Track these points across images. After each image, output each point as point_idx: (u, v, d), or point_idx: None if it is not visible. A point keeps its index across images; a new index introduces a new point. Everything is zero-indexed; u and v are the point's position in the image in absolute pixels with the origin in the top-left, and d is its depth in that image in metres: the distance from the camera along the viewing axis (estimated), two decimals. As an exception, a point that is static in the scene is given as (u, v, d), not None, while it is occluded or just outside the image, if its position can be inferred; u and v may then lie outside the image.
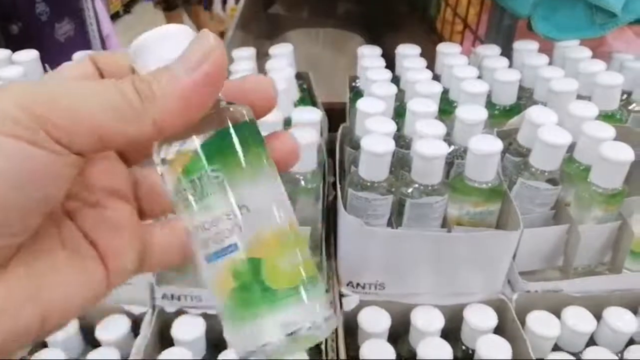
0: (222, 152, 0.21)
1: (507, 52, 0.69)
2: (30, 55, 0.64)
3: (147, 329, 0.48)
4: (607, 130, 0.50)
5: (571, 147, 0.52)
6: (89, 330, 0.49)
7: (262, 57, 0.69)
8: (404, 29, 1.37)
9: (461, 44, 1.01)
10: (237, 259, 0.20)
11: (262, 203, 0.21)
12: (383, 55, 0.67)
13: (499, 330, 0.48)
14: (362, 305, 0.50)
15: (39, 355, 0.46)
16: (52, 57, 0.68)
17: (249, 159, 0.21)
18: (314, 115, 0.53)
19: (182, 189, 0.21)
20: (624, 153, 0.47)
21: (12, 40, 1.34)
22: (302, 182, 0.50)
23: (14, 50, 0.67)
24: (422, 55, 0.66)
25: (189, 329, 0.48)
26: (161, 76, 0.19)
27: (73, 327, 0.48)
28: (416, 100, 0.54)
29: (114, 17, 4.08)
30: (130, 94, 0.19)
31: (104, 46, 1.86)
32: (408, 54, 0.66)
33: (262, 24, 1.44)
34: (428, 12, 1.31)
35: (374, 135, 0.49)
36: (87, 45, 1.76)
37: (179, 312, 0.50)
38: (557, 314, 0.49)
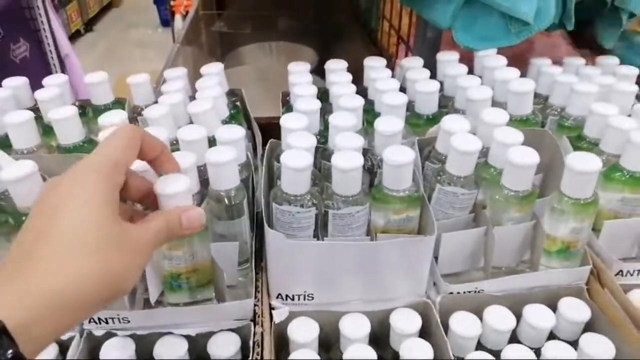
0: None
1: (432, 63, 0.72)
2: None
3: (74, 354, 0.48)
4: (516, 136, 0.53)
5: (486, 153, 0.55)
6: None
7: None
8: (348, 41, 1.41)
9: (396, 54, 1.04)
10: None
11: None
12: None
13: (424, 332, 0.50)
14: (292, 316, 0.51)
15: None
16: (8, 77, 0.66)
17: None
18: (238, 133, 0.54)
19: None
20: (530, 157, 0.50)
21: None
22: (226, 200, 0.50)
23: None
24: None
25: (118, 351, 0.48)
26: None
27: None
28: (338, 114, 0.56)
29: (75, 35, 4.00)
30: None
31: (62, 67, 1.82)
32: (335, 68, 0.68)
33: (208, 41, 1.45)
34: (370, 24, 1.34)
35: (295, 150, 0.50)
36: (44, 66, 1.72)
37: (108, 335, 0.50)
38: (480, 313, 0.51)
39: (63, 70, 2.07)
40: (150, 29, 4.34)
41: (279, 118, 0.70)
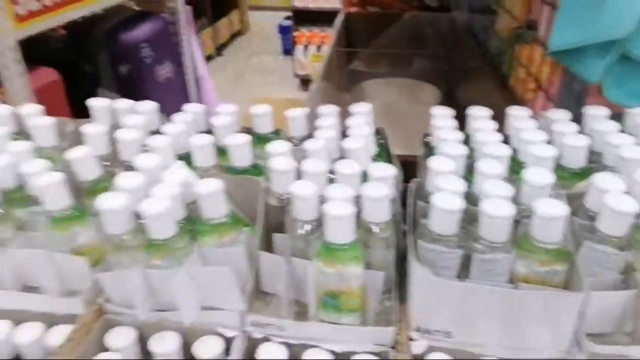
0: None
1: (577, 114, 0.71)
2: (150, 105, 0.75)
3: (238, 352, 0.55)
4: (678, 199, 0.51)
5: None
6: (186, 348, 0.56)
7: (341, 105, 0.76)
8: (477, 84, 1.42)
9: (533, 101, 1.04)
10: None
11: None
12: (456, 107, 0.72)
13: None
14: (429, 350, 0.53)
15: None
16: (153, 96, 0.79)
17: None
18: (388, 171, 0.59)
19: None
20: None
21: (121, 80, 1.49)
22: (377, 231, 0.55)
23: (122, 89, 0.78)
24: (493, 109, 0.71)
25: (272, 355, 0.54)
26: None
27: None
28: (485, 161, 0.59)
29: (207, 59, 4.43)
30: None
31: (198, 87, 2.04)
32: (478, 115, 0.71)
33: (343, 77, 1.54)
34: (501, 68, 1.35)
35: (445, 192, 0.53)
36: (182, 86, 1.95)
37: (264, 339, 0.56)
38: (623, 378, 0.50)
39: (198, 89, 2.31)
40: (272, 56, 4.65)
41: (415, 157, 0.74)
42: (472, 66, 1.56)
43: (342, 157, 0.65)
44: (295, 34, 4.32)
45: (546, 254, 0.52)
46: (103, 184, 0.63)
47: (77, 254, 0.61)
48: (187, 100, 2.08)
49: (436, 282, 0.52)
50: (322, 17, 4.30)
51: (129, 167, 0.63)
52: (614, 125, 0.66)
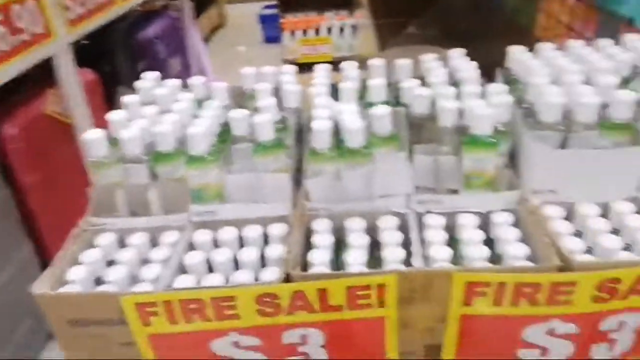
0: None
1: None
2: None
3: (412, 222, 0.80)
4: None
5: None
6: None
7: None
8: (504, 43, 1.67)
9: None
10: None
11: None
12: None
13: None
14: (543, 203, 0.79)
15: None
16: None
17: None
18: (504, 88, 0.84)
19: None
20: None
21: (139, 77, 1.72)
22: (502, 128, 0.80)
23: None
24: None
25: (435, 221, 0.79)
26: None
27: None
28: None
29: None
30: None
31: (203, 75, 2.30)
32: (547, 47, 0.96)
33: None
34: (518, 22, 1.59)
35: (548, 94, 0.78)
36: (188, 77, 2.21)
37: (427, 212, 0.81)
38: None
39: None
40: (254, 45, 4.85)
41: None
42: (491, 25, 1.80)
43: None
44: (282, 20, 4.50)
45: (619, 128, 0.77)
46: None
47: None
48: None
49: (547, 151, 0.77)
50: (304, 3, 4.51)
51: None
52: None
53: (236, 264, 0.78)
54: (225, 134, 0.88)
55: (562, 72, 0.87)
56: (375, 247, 0.78)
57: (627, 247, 0.71)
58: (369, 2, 2.03)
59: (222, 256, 0.77)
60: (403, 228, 0.79)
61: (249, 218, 0.83)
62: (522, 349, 0.69)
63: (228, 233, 0.81)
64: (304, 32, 4.54)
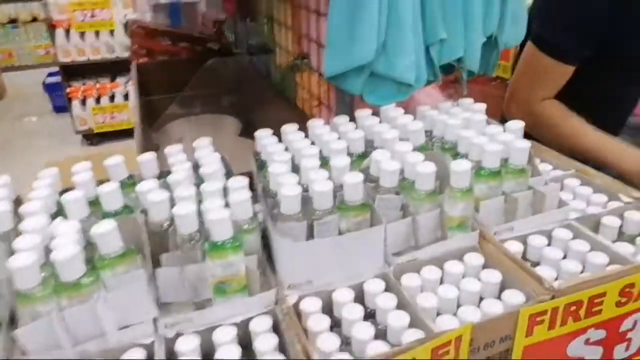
0: None
1: (352, 116, 1.02)
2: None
3: (160, 352, 0.68)
4: (419, 156, 0.83)
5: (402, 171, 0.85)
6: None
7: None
8: (270, 110, 1.71)
9: (319, 114, 1.35)
10: None
11: None
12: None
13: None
14: (300, 298, 0.75)
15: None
16: None
17: None
18: (243, 181, 0.79)
19: None
20: (428, 168, 0.80)
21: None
22: (246, 226, 0.75)
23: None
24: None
25: (188, 345, 0.69)
26: None
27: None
28: (308, 159, 0.83)
29: None
30: None
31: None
32: (289, 131, 0.96)
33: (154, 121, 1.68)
34: (285, 94, 1.66)
35: (287, 185, 0.76)
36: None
37: (178, 335, 0.70)
38: (419, 272, 0.79)
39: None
40: (42, 116, 4.36)
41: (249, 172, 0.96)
42: (263, 96, 1.85)
43: (200, 182, 0.83)
44: (68, 90, 4.11)
45: (356, 209, 0.78)
46: None
47: None
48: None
49: (294, 245, 0.74)
50: (92, 69, 4.20)
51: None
52: (376, 120, 0.98)
53: None
54: None
55: (301, 157, 0.87)
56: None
57: (379, 334, 0.69)
58: (137, 80, 1.92)
59: None
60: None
61: None
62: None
63: None
64: (97, 100, 4.19)
